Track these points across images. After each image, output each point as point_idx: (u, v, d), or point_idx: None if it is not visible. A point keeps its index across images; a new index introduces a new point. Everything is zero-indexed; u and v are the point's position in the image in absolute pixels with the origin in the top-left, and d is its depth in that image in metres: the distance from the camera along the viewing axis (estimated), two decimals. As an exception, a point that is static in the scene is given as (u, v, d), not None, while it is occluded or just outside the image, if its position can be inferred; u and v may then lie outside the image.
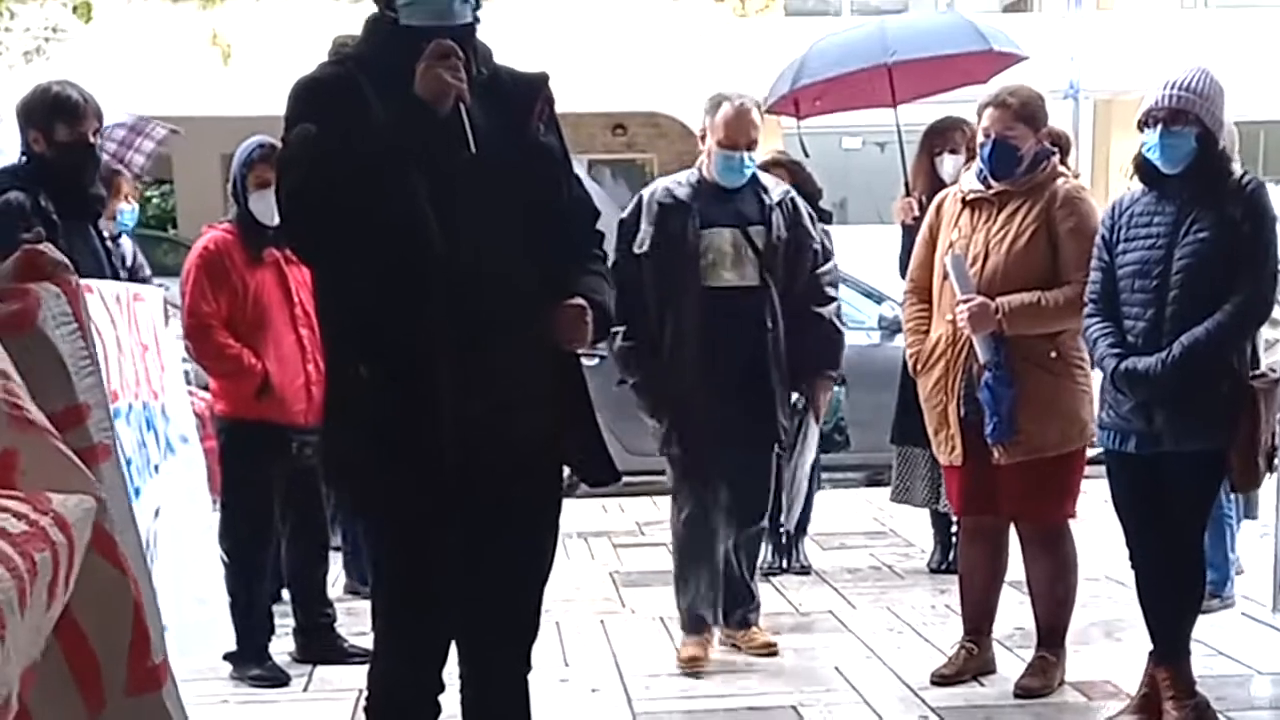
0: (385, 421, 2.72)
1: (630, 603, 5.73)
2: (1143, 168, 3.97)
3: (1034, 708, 4.34)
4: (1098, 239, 4.10)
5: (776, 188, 4.82)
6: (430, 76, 2.67)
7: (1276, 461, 4.10)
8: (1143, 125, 3.92)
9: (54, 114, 3.88)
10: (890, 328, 7.80)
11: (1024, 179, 4.35)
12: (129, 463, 3.30)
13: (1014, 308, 4.25)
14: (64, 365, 1.56)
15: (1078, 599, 4.60)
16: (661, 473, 5.01)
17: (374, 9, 2.84)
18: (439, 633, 2.91)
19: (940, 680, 4.55)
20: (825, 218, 5.44)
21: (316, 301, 3.02)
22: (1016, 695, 4.41)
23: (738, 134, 4.61)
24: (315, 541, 4.96)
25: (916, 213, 5.54)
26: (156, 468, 3.69)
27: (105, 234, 4.21)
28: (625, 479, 3.52)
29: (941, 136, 5.78)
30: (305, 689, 4.68)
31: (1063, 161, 4.69)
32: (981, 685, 4.55)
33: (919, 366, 4.54)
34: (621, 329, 4.55)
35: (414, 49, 2.69)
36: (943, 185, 5.24)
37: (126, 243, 5.86)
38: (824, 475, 6.49)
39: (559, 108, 2.93)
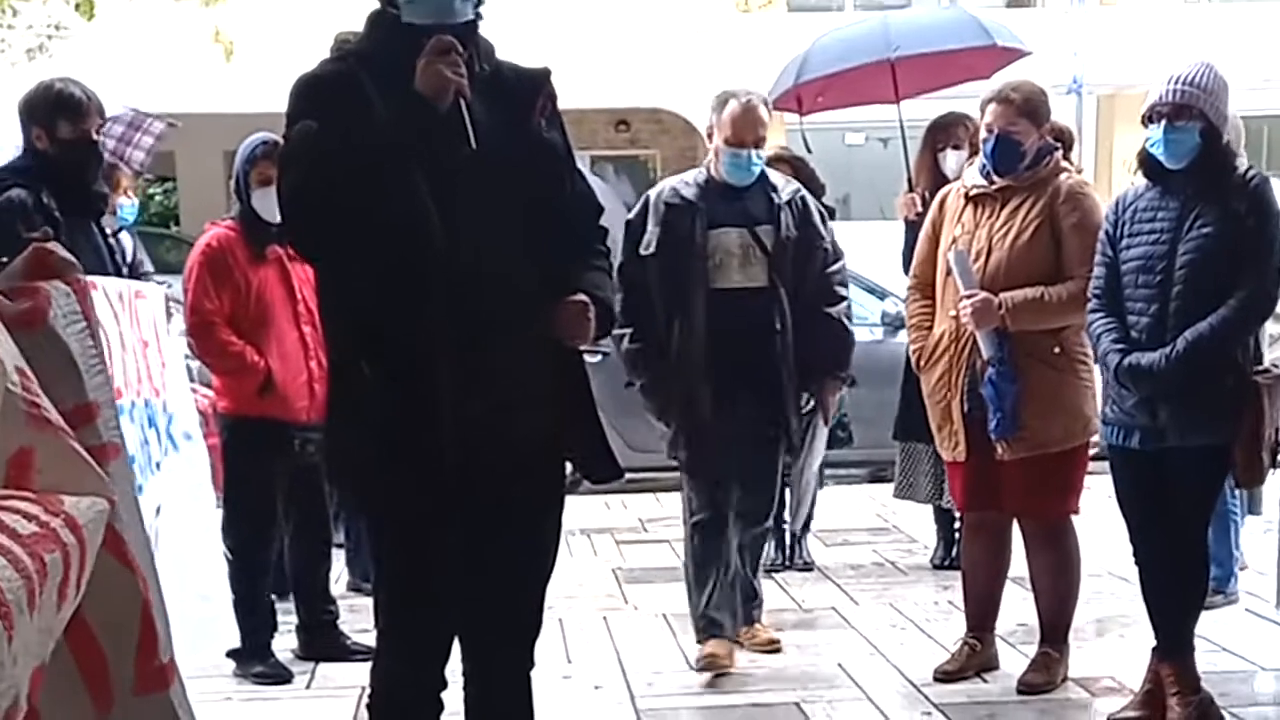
0: (386, 421, 2.72)
1: (633, 599, 5.73)
2: (1147, 163, 3.96)
3: (1037, 704, 4.34)
4: (1101, 234, 4.09)
5: (787, 186, 4.75)
6: (430, 72, 2.67)
7: (1280, 457, 4.10)
8: (1146, 120, 3.91)
9: (57, 111, 3.88)
10: (893, 324, 7.80)
11: (1027, 174, 4.34)
12: (132, 460, 3.30)
13: (1017, 303, 4.24)
14: (75, 363, 1.55)
15: (1081, 595, 4.59)
16: (664, 469, 4.98)
17: (376, 6, 2.84)
18: (441, 631, 2.90)
19: (943, 676, 4.55)
20: (828, 214, 5.42)
21: (319, 299, 3.03)
22: (1020, 691, 4.41)
23: (744, 131, 4.56)
24: (318, 539, 4.97)
25: (919, 208, 5.53)
26: (158, 465, 3.69)
27: (107, 230, 4.21)
28: (628, 475, 3.50)
29: (944, 132, 5.77)
30: (308, 686, 4.68)
31: (1066, 157, 4.68)
32: (985, 681, 4.55)
33: (922, 362, 4.53)
34: (629, 330, 4.53)
35: (415, 46, 2.69)
36: (946, 181, 5.22)
37: (126, 238, 5.86)
38: (827, 471, 6.48)
39: (561, 103, 2.91)
